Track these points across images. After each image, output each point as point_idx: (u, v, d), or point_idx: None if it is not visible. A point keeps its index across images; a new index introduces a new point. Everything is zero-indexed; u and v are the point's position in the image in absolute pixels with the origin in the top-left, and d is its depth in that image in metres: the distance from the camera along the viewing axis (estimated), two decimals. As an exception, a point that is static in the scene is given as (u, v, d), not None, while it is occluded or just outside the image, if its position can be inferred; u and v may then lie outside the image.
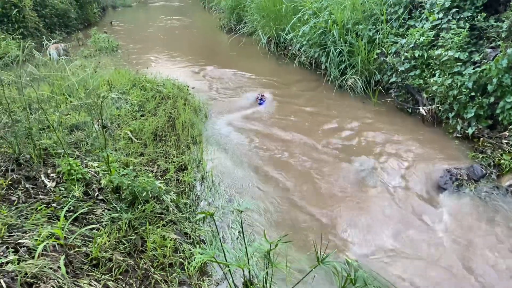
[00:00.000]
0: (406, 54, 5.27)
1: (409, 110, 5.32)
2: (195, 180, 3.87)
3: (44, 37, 9.42)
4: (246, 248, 2.22)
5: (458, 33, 4.75)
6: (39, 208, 2.97)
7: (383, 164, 4.26)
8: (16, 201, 3.07)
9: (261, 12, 9.33)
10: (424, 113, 5.00)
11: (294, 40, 7.74)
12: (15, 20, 8.84)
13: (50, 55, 7.29)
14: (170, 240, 2.83)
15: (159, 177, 3.70)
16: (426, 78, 5.03)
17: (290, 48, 8.10)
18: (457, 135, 4.60)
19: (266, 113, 5.64)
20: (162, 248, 2.75)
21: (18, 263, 2.35)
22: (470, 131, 4.44)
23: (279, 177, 4.10)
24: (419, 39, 5.17)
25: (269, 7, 8.85)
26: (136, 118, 4.97)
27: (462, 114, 4.55)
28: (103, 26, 12.79)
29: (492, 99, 4.29)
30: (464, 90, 4.45)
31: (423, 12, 5.52)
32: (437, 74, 4.85)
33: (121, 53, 9.03)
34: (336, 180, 4.04)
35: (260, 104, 6.06)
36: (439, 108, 4.84)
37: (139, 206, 3.08)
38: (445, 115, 4.81)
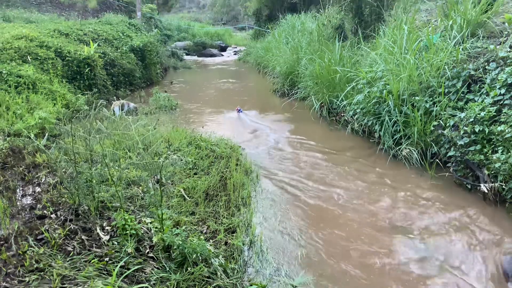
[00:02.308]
0: (465, 128, 5.13)
1: (469, 187, 5.06)
2: (243, 244, 3.82)
3: (115, 95, 10.19)
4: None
5: (523, 110, 4.59)
6: (92, 261, 3.02)
7: (442, 244, 4.00)
8: (71, 252, 3.15)
9: (314, 79, 9.59)
10: (486, 191, 4.74)
11: (347, 107, 7.82)
12: (87, 77, 9.63)
13: (114, 112, 7.83)
14: (217, 307, 2.76)
15: (209, 239, 3.69)
16: (487, 154, 4.82)
17: (342, 114, 8.16)
18: (524, 217, 4.30)
19: (316, 181, 5.58)
20: (208, 315, 2.67)
21: (68, 318, 2.37)
22: (539, 213, 4.13)
23: (330, 250, 3.96)
24: (479, 114, 5.03)
25: (323, 75, 9.10)
26: (189, 176, 5.10)
27: (529, 194, 4.27)
28: (164, 85, 13.62)
29: None
30: (531, 169, 4.21)
31: (483, 87, 5.42)
32: (499, 151, 4.64)
33: (179, 112, 9.49)
34: (393, 258, 3.82)
35: (240, 112, 9.44)
36: (503, 186, 4.58)
37: (188, 268, 3.05)
38: (509, 195, 4.52)
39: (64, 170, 4.24)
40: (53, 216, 3.71)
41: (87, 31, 12.39)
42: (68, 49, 9.75)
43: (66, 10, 20.17)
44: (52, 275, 2.79)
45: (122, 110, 8.73)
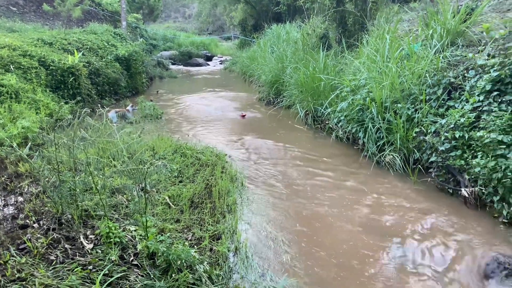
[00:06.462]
0: (446, 134, 5.24)
1: (451, 191, 5.16)
2: (228, 250, 3.82)
3: (100, 104, 10.12)
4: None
5: (500, 116, 4.71)
6: (75, 269, 3.00)
7: (423, 248, 4.06)
8: (54, 261, 3.12)
9: (299, 87, 9.70)
10: (467, 195, 4.83)
11: (331, 115, 7.91)
12: (71, 86, 9.54)
13: (111, 119, 7.95)
14: (201, 313, 2.75)
15: (194, 246, 3.68)
16: (467, 159, 4.93)
17: (327, 122, 8.25)
18: (504, 220, 4.38)
19: (301, 188, 5.62)
20: (192, 322, 2.67)
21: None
22: (517, 216, 4.23)
23: (314, 255, 3.99)
24: (459, 120, 5.15)
25: (308, 83, 9.21)
26: (174, 184, 5.09)
27: (507, 198, 4.37)
28: (150, 94, 13.58)
29: (540, 185, 4.12)
30: (509, 173, 4.31)
31: (463, 94, 5.55)
32: (479, 156, 4.75)
33: (164, 121, 9.47)
34: (376, 261, 3.87)
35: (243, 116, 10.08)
36: (483, 190, 4.68)
37: (173, 275, 3.05)
38: (489, 198, 4.63)
39: (47, 179, 4.21)
40: (35, 225, 3.67)
41: (71, 40, 12.30)
42: (52, 58, 9.66)
43: (50, 20, 20.01)
44: (35, 285, 2.75)
45: (124, 118, 8.75)
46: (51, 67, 9.38)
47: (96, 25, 17.28)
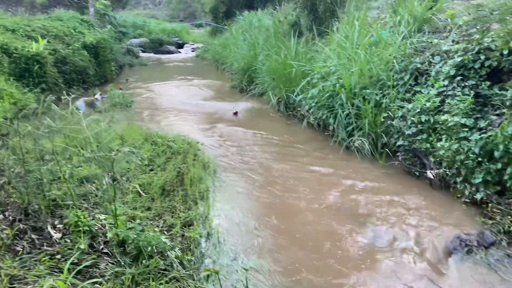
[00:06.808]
0: (412, 118, 5.39)
1: (417, 174, 5.33)
2: (200, 236, 3.84)
3: (67, 93, 9.80)
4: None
5: (463, 100, 4.87)
6: (43, 259, 2.95)
7: (391, 227, 4.21)
8: (20, 252, 3.06)
9: (271, 74, 9.72)
10: (432, 177, 5.01)
11: (303, 101, 7.98)
12: (36, 75, 9.23)
13: (78, 109, 7.62)
14: (173, 298, 2.77)
15: (165, 232, 3.68)
16: (433, 142, 5.09)
17: (299, 109, 8.31)
18: (466, 200, 4.57)
19: (273, 174, 5.68)
20: (164, 306, 2.68)
21: (17, 316, 2.31)
22: (478, 196, 4.41)
23: (286, 239, 4.06)
24: (425, 105, 5.30)
25: (279, 70, 9.23)
26: (145, 172, 5.04)
27: (469, 179, 4.55)
28: (119, 83, 13.30)
29: (499, 165, 4.29)
30: (471, 155, 4.48)
31: (429, 79, 5.71)
32: (443, 139, 4.92)
33: (134, 109, 9.31)
34: (345, 242, 3.98)
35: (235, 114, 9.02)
36: (447, 172, 4.86)
37: (143, 261, 3.04)
38: (452, 180, 4.81)
39: (12, 169, 4.09)
40: (0, 216, 3.57)
41: (35, 27, 11.85)
42: (15, 45, 9.31)
43: (13, 6, 19.22)
44: (0, 275, 2.70)
45: (93, 106, 8.50)
46: (14, 55, 9.04)
47: (62, 11, 16.71)
